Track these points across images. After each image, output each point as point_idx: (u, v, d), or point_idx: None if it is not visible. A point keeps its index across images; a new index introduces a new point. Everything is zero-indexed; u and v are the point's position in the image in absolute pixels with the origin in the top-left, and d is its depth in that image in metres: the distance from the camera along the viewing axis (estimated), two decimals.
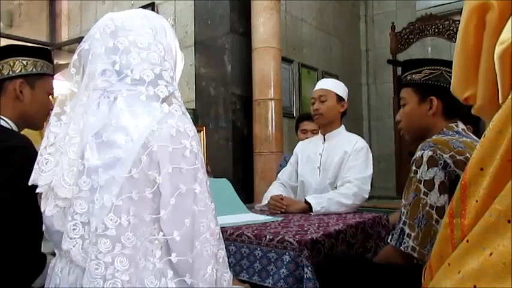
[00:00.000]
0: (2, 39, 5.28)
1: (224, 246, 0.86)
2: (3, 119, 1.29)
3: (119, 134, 0.77)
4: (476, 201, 0.64)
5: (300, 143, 2.48)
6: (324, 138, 2.30)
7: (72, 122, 0.82)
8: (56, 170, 0.81)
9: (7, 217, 1.10)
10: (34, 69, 1.33)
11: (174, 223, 0.76)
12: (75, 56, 0.86)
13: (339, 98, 2.26)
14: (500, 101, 0.67)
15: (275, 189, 2.28)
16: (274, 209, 2.03)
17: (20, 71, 1.30)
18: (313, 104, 2.27)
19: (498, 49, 0.64)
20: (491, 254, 0.55)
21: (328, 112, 2.23)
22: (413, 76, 1.44)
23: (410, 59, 1.57)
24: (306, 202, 1.99)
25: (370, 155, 2.21)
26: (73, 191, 0.77)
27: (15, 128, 1.31)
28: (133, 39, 0.84)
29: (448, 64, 1.39)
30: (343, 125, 2.32)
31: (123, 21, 0.86)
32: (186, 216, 0.77)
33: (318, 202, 1.96)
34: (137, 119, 0.78)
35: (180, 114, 0.82)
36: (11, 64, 1.29)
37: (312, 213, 1.94)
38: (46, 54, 1.40)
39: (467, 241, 0.61)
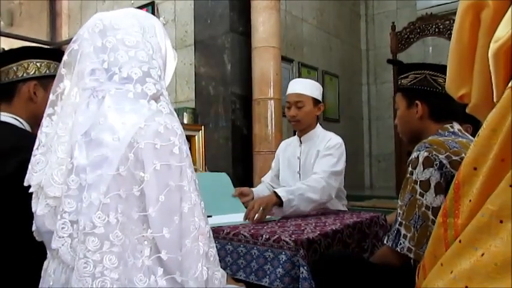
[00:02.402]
0: (3, 38, 5.29)
1: (215, 245, 0.85)
2: (17, 119, 1.31)
3: (106, 132, 0.76)
4: (470, 200, 0.64)
5: (283, 144, 2.43)
6: (300, 141, 2.25)
7: (60, 122, 0.82)
8: (45, 170, 0.81)
9: (10, 217, 1.10)
10: (47, 71, 1.34)
11: (163, 220, 0.75)
12: (65, 57, 0.85)
13: (316, 101, 2.18)
14: (494, 100, 0.66)
15: (262, 191, 2.25)
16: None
17: (34, 73, 1.32)
18: (289, 108, 2.18)
19: (492, 47, 0.63)
20: (483, 254, 0.54)
21: (305, 118, 2.17)
22: (402, 81, 1.48)
23: (401, 64, 1.59)
24: (277, 195, 1.82)
25: (343, 151, 2.10)
26: (62, 190, 0.77)
27: (28, 127, 1.33)
28: (121, 37, 0.83)
29: (433, 67, 1.41)
30: (318, 125, 2.26)
31: (112, 20, 0.85)
32: (175, 213, 0.76)
33: (289, 199, 1.80)
34: (124, 117, 0.77)
35: (167, 112, 0.82)
36: (25, 66, 1.31)
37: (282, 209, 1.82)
38: (58, 56, 1.42)
39: (460, 241, 0.61)
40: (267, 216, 1.82)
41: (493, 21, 0.68)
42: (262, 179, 2.43)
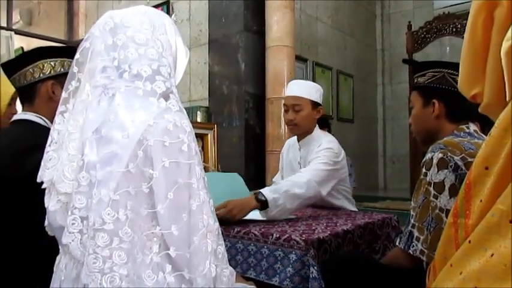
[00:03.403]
0: (22, 36, 5.41)
1: (223, 243, 0.85)
2: (40, 117, 1.35)
3: (116, 129, 0.77)
4: (481, 201, 0.63)
5: (287, 143, 2.35)
6: (299, 145, 2.16)
7: (71, 119, 0.83)
8: (57, 166, 0.82)
9: (30, 213, 1.12)
10: (62, 69, 1.37)
11: (171, 217, 0.75)
12: (77, 55, 0.86)
13: (314, 104, 2.06)
14: (507, 99, 0.65)
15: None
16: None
17: (50, 72, 1.35)
18: (286, 111, 2.08)
19: (505, 46, 0.62)
20: (492, 255, 0.54)
21: (303, 122, 2.05)
22: (419, 79, 1.44)
23: (418, 62, 1.55)
24: (258, 200, 1.66)
25: (333, 154, 1.94)
26: (73, 186, 0.78)
27: (51, 125, 1.35)
28: (131, 34, 0.84)
29: (452, 66, 1.37)
30: (317, 129, 2.14)
31: (122, 18, 0.86)
32: (183, 210, 0.76)
33: (274, 198, 1.66)
34: (134, 114, 0.78)
35: (177, 110, 0.82)
36: (41, 67, 1.34)
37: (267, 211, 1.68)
38: (72, 53, 1.44)
39: (469, 242, 0.60)
40: None
41: (507, 20, 0.67)
42: (273, 179, 2.41)
